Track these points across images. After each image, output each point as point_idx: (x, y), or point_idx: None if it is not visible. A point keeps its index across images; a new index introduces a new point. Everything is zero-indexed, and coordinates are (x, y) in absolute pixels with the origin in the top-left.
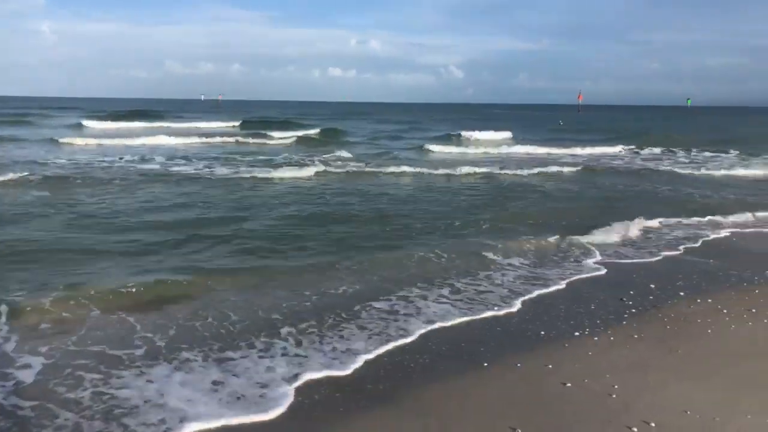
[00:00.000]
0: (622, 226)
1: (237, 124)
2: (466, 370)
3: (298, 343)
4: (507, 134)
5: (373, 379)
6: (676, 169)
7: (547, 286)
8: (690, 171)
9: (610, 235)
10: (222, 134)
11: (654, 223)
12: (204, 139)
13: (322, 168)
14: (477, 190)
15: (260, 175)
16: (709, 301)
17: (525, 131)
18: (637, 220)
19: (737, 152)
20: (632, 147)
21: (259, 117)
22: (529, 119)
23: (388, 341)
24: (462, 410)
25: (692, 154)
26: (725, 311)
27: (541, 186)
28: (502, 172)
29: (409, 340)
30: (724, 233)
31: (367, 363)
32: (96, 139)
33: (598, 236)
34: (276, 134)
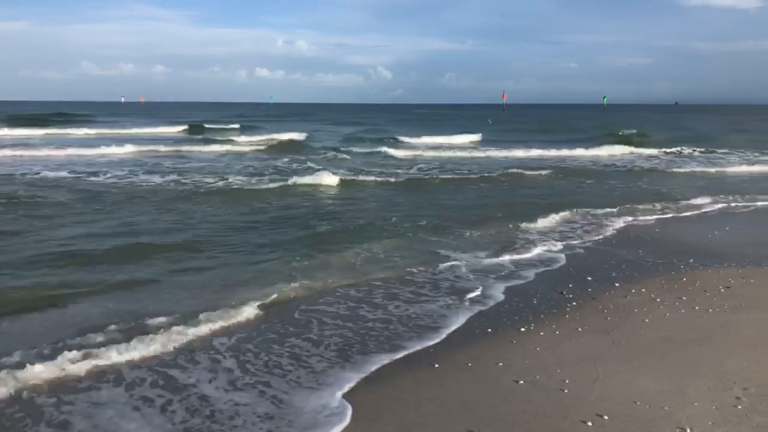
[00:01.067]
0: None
1: (182, 128)
2: (418, 373)
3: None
4: (477, 137)
5: None
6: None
7: (487, 283)
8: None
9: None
10: (179, 141)
11: (584, 214)
12: (165, 148)
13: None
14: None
15: (303, 182)
16: (643, 290)
17: (460, 130)
18: (568, 213)
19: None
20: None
21: (202, 120)
22: (461, 118)
23: None
24: (418, 414)
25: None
26: (658, 300)
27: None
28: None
29: None
30: (646, 223)
31: None
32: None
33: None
34: (241, 139)
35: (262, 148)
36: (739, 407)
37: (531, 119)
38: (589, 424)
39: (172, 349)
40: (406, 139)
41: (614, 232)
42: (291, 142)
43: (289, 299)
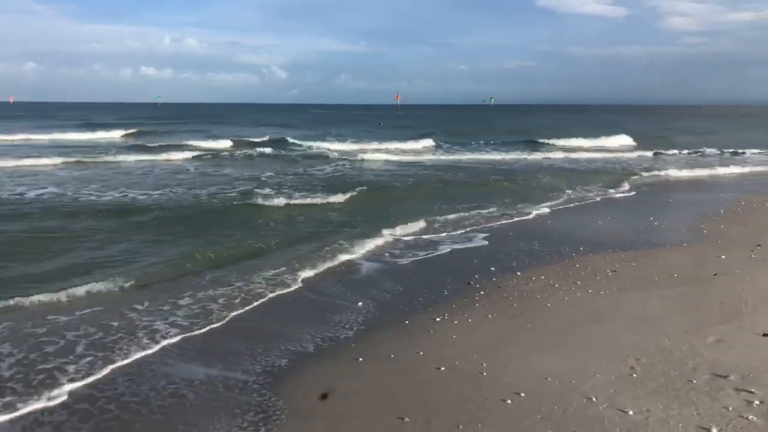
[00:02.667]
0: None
1: (127, 133)
2: (343, 368)
3: None
4: (429, 142)
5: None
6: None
7: (401, 273)
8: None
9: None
10: (136, 151)
11: (476, 211)
12: (119, 157)
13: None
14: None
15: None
16: (542, 277)
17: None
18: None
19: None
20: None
21: (135, 122)
22: (355, 120)
23: None
24: (347, 408)
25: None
26: (557, 285)
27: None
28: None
29: None
30: (538, 214)
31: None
32: None
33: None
34: (221, 144)
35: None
36: (634, 376)
37: (425, 119)
38: (509, 402)
39: None
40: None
41: (511, 225)
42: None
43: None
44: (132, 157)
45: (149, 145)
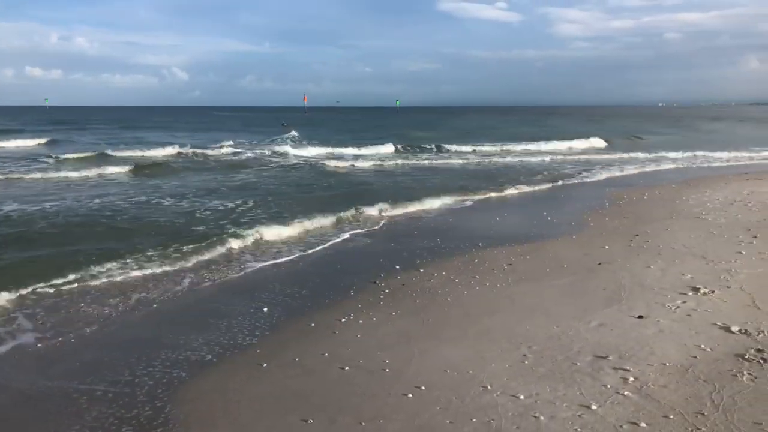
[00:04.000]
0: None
1: (43, 141)
2: (247, 374)
3: None
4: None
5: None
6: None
7: (304, 274)
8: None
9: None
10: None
11: (374, 210)
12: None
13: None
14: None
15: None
16: (444, 273)
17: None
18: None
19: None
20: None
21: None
22: (255, 121)
23: None
24: (252, 412)
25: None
26: (457, 280)
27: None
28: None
29: None
30: (441, 213)
31: None
32: None
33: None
34: (157, 153)
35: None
36: (526, 362)
37: (334, 122)
38: (410, 395)
39: None
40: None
41: (414, 223)
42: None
43: None
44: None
45: (78, 156)
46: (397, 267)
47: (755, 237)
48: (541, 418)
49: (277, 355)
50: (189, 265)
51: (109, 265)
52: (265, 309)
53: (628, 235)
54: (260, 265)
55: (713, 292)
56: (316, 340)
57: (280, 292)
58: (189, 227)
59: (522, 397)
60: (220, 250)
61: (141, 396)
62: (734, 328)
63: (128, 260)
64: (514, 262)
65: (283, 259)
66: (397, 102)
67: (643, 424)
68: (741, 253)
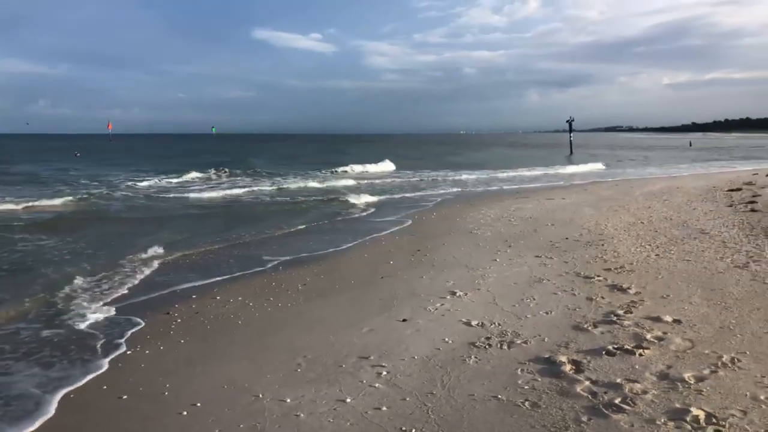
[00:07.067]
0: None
1: None
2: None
3: None
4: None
5: None
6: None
7: (98, 305)
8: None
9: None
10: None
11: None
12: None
13: None
14: None
15: None
16: (240, 298)
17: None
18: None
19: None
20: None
21: None
22: (45, 151)
23: None
24: None
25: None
26: (251, 304)
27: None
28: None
29: None
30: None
31: None
32: None
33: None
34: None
35: None
36: (299, 370)
37: (142, 149)
38: (185, 413)
39: None
40: None
41: (216, 247)
42: None
43: None
44: None
45: None
46: (194, 296)
47: (510, 246)
48: (302, 415)
49: (54, 390)
50: None
51: None
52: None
53: (412, 251)
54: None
55: (466, 294)
56: (100, 375)
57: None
58: None
59: (288, 400)
60: None
61: None
62: (474, 323)
63: None
64: (309, 281)
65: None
66: (213, 129)
67: (384, 408)
68: (496, 260)
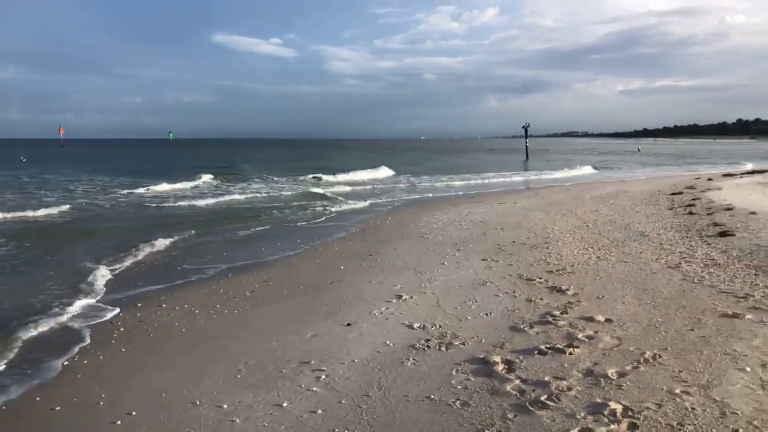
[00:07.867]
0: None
1: None
2: None
3: None
4: None
5: None
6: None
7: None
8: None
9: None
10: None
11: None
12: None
13: None
14: None
15: None
16: (186, 306)
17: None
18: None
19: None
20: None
21: None
22: None
23: None
24: None
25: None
26: (197, 311)
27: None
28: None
29: None
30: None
31: None
32: None
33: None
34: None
35: None
36: (239, 376)
37: (95, 156)
38: (119, 422)
39: None
40: None
41: (166, 254)
42: None
43: None
44: None
45: None
46: (139, 305)
47: (458, 250)
48: (237, 420)
49: None
50: None
51: None
52: None
53: (363, 256)
54: None
55: (412, 297)
56: (31, 388)
57: None
58: None
59: (225, 406)
60: None
61: None
62: (416, 325)
63: None
64: (257, 288)
65: None
66: (170, 134)
67: (319, 411)
68: (444, 264)
